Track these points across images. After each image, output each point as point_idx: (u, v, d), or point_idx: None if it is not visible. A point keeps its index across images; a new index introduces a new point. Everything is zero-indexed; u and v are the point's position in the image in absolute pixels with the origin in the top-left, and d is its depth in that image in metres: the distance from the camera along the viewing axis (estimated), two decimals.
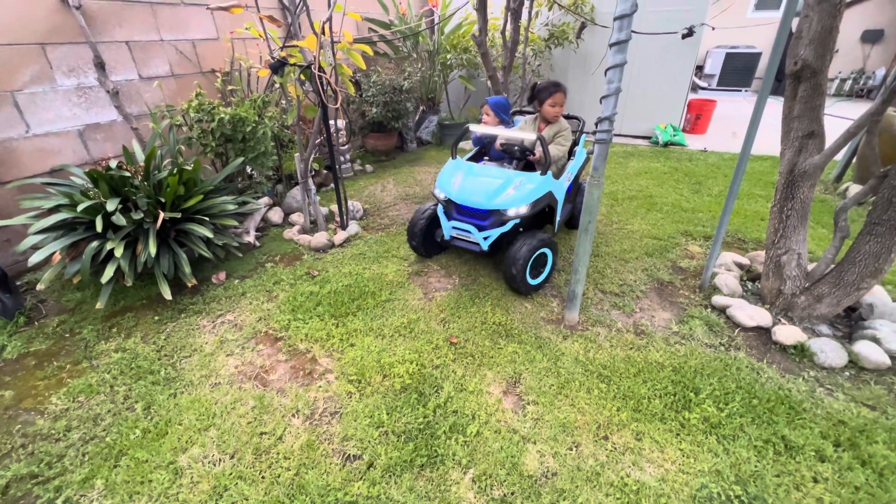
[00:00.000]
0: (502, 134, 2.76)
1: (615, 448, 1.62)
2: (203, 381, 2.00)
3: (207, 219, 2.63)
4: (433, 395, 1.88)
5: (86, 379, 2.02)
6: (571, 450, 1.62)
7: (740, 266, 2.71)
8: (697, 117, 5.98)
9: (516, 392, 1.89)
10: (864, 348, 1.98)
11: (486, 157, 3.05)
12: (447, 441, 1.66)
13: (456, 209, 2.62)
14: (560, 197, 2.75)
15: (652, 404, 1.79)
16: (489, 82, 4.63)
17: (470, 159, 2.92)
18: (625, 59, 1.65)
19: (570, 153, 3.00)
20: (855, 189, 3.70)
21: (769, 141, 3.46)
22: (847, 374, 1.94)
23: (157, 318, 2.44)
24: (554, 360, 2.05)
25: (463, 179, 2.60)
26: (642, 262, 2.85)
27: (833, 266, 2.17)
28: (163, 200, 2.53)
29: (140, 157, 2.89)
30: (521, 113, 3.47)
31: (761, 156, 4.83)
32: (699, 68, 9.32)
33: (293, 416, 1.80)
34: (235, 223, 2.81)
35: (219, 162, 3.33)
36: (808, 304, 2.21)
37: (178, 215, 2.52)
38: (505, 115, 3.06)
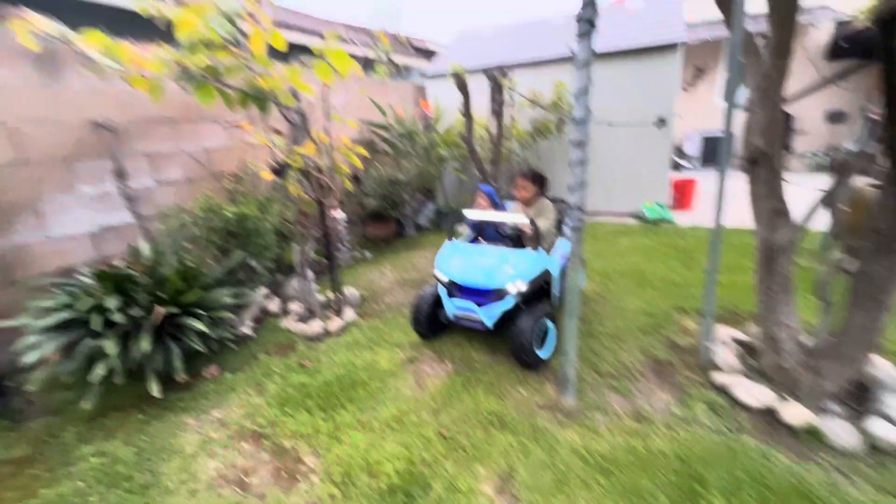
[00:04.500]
0: (495, 217, 2.95)
1: None
2: (180, 486, 1.89)
3: (204, 313, 2.69)
4: (422, 496, 1.75)
5: (58, 488, 1.92)
6: None
7: (737, 341, 2.66)
8: (682, 195, 6.27)
9: (511, 490, 1.76)
10: (878, 428, 1.87)
11: (480, 240, 3.24)
12: None
13: (457, 289, 2.71)
14: (555, 272, 2.88)
15: (657, 500, 1.66)
16: (479, 173, 4.99)
17: (466, 242, 3.09)
18: (586, 156, 1.82)
19: (560, 231, 3.16)
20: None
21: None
22: (865, 457, 1.80)
23: (142, 416, 2.38)
24: (550, 451, 1.94)
25: (462, 260, 2.76)
26: (638, 341, 2.81)
27: (829, 339, 2.13)
28: (163, 296, 2.62)
29: (147, 254, 3.05)
30: (512, 198, 3.72)
31: (746, 229, 4.96)
32: (680, 150, 9.98)
33: None
34: (232, 315, 2.86)
35: (222, 256, 3.48)
36: (811, 381, 2.13)
37: (177, 310, 2.59)
38: (497, 200, 3.31)
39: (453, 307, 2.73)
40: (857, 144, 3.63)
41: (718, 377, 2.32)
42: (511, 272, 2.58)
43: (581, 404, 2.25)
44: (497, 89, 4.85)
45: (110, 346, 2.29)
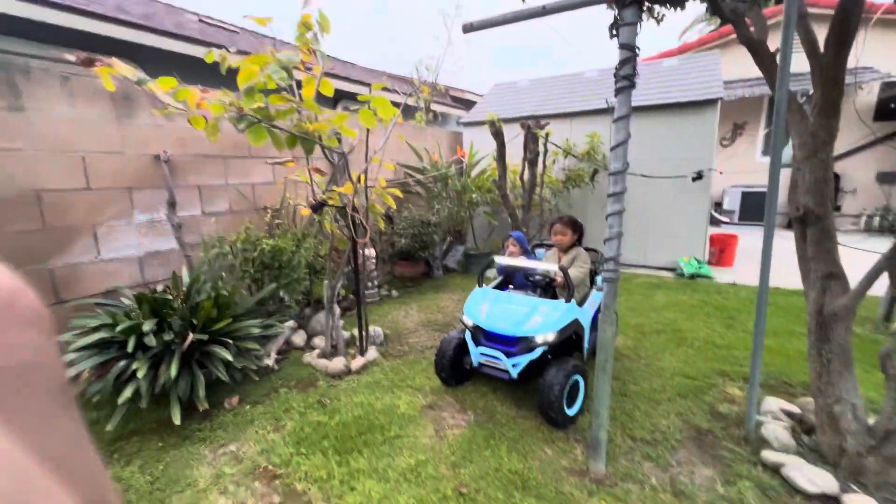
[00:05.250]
0: (526, 265, 2.91)
1: None
2: None
3: (231, 341, 2.73)
4: None
5: None
6: None
7: (790, 415, 2.42)
8: (721, 251, 6.03)
9: None
10: None
11: (510, 286, 3.18)
12: None
13: (484, 335, 2.66)
14: (586, 324, 2.77)
15: None
16: (510, 218, 5.01)
17: (495, 288, 3.04)
18: (622, 207, 1.79)
19: (592, 282, 3.06)
20: None
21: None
22: None
23: (160, 444, 2.37)
24: None
25: (490, 307, 2.71)
26: (675, 405, 2.61)
27: None
28: (195, 322, 2.68)
29: (187, 281, 3.17)
30: (542, 245, 3.69)
31: (795, 289, 4.67)
32: (719, 205, 9.73)
33: None
34: (258, 346, 2.88)
35: (255, 287, 3.58)
36: (880, 469, 1.89)
37: (206, 337, 2.64)
38: (526, 246, 3.29)
39: (479, 354, 2.65)
40: None
41: (769, 455, 2.09)
42: (540, 322, 2.51)
43: (612, 472, 2.07)
44: (532, 138, 4.96)
45: (141, 368, 2.34)
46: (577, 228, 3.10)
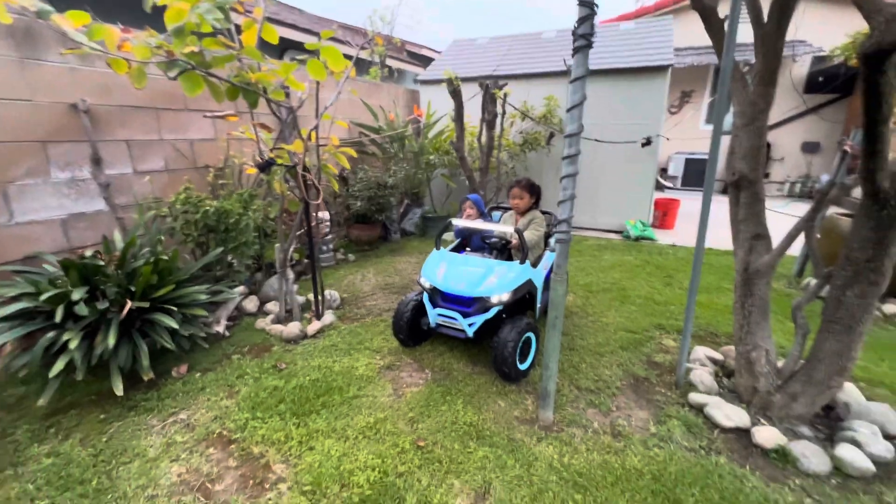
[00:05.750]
0: (482, 226, 2.94)
1: None
2: (139, 493, 1.79)
3: (175, 308, 2.59)
4: None
5: (4, 490, 1.79)
6: None
7: (714, 361, 2.70)
8: (664, 214, 6.40)
9: None
10: (847, 453, 1.90)
11: (467, 248, 3.24)
12: None
13: (441, 297, 2.70)
14: (539, 284, 2.88)
15: None
16: (467, 181, 4.99)
17: (452, 250, 3.07)
18: (576, 170, 1.82)
19: (546, 244, 3.16)
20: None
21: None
22: (833, 482, 1.83)
23: (102, 416, 2.26)
24: (527, 466, 1.92)
25: (447, 269, 2.74)
26: (617, 357, 2.82)
27: (801, 363, 2.18)
28: (133, 289, 2.51)
29: (120, 246, 2.92)
30: (499, 208, 3.73)
31: (727, 250, 5.09)
32: (664, 170, 10.21)
33: None
34: (205, 313, 2.76)
35: (199, 251, 3.38)
36: (784, 404, 2.17)
37: (146, 304, 2.48)
38: (483, 209, 3.32)
39: (436, 315, 2.70)
40: (832, 175, 3.77)
41: (695, 397, 2.34)
42: (495, 282, 2.58)
43: (559, 419, 2.24)
44: (490, 99, 4.88)
45: (73, 339, 2.17)
46: (534, 192, 3.15)
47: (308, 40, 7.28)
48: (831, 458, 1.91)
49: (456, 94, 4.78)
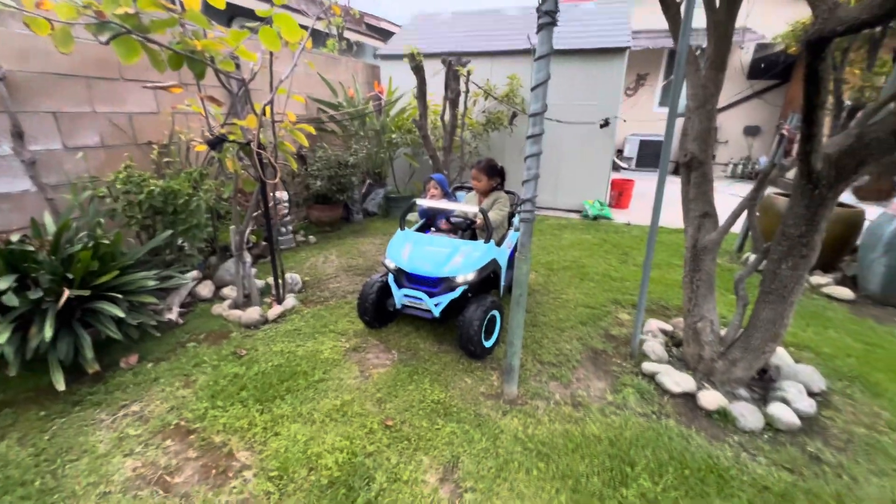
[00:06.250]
0: (447, 207, 2.93)
1: None
2: (90, 490, 1.70)
3: (121, 296, 2.42)
4: (364, 488, 1.71)
5: None
6: None
7: (665, 332, 2.88)
8: (620, 194, 6.65)
9: (453, 478, 1.78)
10: (777, 410, 2.11)
11: (432, 229, 3.22)
12: None
13: (406, 278, 2.68)
14: (503, 263, 2.93)
15: (591, 483, 1.75)
16: (431, 161, 4.93)
17: (417, 231, 3.04)
18: (540, 149, 1.84)
19: (510, 223, 3.21)
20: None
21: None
22: (766, 436, 2.03)
23: (43, 413, 2.10)
24: (493, 438, 1.98)
25: (412, 249, 2.72)
26: (577, 331, 2.94)
27: (741, 331, 2.37)
28: (71, 277, 2.31)
29: (52, 229, 2.67)
30: (463, 188, 3.73)
31: (677, 228, 5.38)
32: (620, 152, 10.56)
33: None
34: (155, 300, 2.60)
35: (145, 234, 3.15)
36: (725, 369, 2.36)
37: (87, 293, 2.30)
38: (447, 189, 3.31)
39: (402, 296, 2.69)
40: (770, 157, 4.04)
41: (647, 366, 2.50)
42: (460, 262, 2.59)
43: (523, 392, 2.32)
44: (453, 77, 4.80)
45: (3, 332, 1.99)
46: (494, 173, 3.16)
47: (259, 7, 6.80)
48: (764, 415, 2.11)
49: (418, 71, 4.66)
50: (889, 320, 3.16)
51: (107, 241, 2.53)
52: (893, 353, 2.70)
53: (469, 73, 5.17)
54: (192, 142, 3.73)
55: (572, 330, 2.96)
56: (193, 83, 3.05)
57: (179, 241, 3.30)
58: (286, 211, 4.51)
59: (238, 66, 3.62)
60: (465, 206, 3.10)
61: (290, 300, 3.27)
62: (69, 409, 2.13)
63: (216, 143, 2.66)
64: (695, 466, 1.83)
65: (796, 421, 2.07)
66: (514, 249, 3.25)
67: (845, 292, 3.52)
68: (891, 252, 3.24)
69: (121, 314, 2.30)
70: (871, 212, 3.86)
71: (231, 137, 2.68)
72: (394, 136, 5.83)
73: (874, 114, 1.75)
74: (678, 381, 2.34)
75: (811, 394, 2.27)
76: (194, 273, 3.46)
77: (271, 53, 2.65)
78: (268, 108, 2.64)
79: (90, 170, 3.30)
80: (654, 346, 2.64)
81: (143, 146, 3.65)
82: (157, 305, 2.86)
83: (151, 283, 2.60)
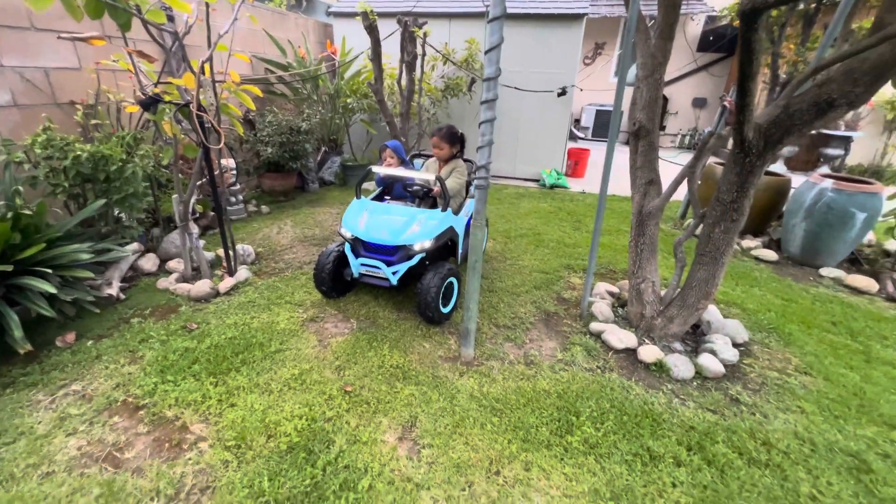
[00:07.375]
0: (404, 175, 2.88)
1: (506, 482, 1.66)
2: (30, 472, 1.63)
3: (51, 271, 2.24)
4: (323, 451, 1.75)
5: None
6: (464, 490, 1.62)
7: (612, 294, 3.06)
8: (576, 163, 6.81)
9: (412, 437, 1.85)
10: (705, 360, 2.33)
11: (388, 197, 3.18)
12: (336, 501, 1.54)
13: (363, 247, 2.66)
14: (461, 231, 2.96)
15: (539, 432, 1.88)
16: (388, 127, 4.80)
17: (374, 199, 3.00)
18: (494, 115, 1.84)
19: (468, 191, 3.22)
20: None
21: None
22: (695, 384, 2.25)
23: None
24: (450, 398, 2.07)
25: (369, 218, 2.69)
26: (532, 296, 3.07)
27: (678, 291, 2.56)
28: None
29: None
30: (421, 156, 3.67)
31: (627, 196, 5.62)
32: (577, 121, 10.73)
33: (151, 499, 1.54)
34: (91, 274, 2.43)
35: (74, 205, 2.90)
36: (663, 325, 2.56)
37: (9, 268, 2.11)
38: (404, 156, 3.24)
39: (359, 265, 2.67)
40: (712, 128, 4.25)
41: (595, 325, 2.66)
42: (417, 230, 2.59)
43: (479, 354, 2.42)
44: (409, 38, 4.62)
45: None
46: (455, 140, 3.13)
47: None
48: (695, 365, 2.33)
49: (372, 30, 4.43)
50: (805, 279, 3.52)
51: (28, 212, 2.31)
52: (805, 308, 3.03)
53: (426, 34, 4.99)
54: (123, 102, 3.41)
55: (527, 294, 3.08)
56: (120, 36, 2.76)
57: (116, 212, 3.07)
58: (234, 179, 4.28)
59: (171, 19, 3.30)
60: (423, 173, 3.07)
61: (243, 272, 3.16)
62: (0, 392, 2.00)
63: (150, 103, 2.45)
64: (632, 413, 2.01)
65: (721, 369, 2.30)
66: (471, 218, 3.29)
67: (770, 254, 3.87)
68: (810, 217, 3.57)
69: (52, 290, 2.14)
70: (798, 180, 4.20)
71: (167, 98, 2.48)
72: (349, 100, 5.60)
73: (799, 86, 1.87)
74: (622, 338, 2.52)
75: (735, 345, 2.52)
76: (135, 246, 3.25)
77: (207, 4, 2.43)
78: (207, 66, 2.44)
79: (2, 132, 2.95)
80: (602, 307, 2.81)
81: (65, 106, 3.29)
82: (95, 280, 2.69)
83: (85, 256, 2.42)
